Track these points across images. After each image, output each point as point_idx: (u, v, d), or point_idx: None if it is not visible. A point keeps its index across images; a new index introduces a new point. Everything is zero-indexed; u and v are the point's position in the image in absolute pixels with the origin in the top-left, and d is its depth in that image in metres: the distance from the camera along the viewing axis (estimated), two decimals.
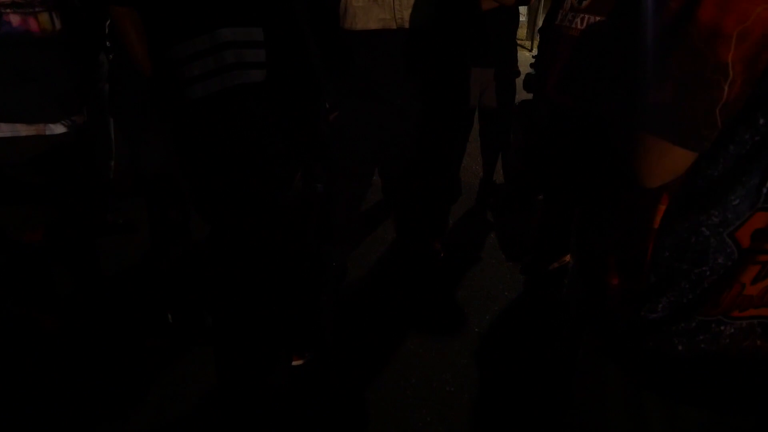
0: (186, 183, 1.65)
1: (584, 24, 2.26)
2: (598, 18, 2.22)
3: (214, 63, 1.14)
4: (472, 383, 2.17)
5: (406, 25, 1.98)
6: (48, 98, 1.61)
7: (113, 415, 1.96)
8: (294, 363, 2.17)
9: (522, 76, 3.01)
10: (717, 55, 0.72)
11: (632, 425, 1.06)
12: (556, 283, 2.77)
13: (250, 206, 1.42)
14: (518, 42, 6.14)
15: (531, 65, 2.74)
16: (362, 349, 2.32)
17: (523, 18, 9.80)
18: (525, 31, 10.91)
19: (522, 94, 2.93)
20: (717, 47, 0.72)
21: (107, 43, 2.31)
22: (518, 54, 3.34)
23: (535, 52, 5.48)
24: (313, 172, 3.11)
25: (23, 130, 1.58)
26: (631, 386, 1.03)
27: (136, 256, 2.69)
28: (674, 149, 0.79)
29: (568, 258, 2.88)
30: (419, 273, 2.79)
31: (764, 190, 0.81)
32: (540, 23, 3.05)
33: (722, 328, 0.91)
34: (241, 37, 1.15)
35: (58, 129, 1.67)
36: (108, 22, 2.22)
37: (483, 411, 2.05)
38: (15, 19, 1.50)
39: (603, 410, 1.10)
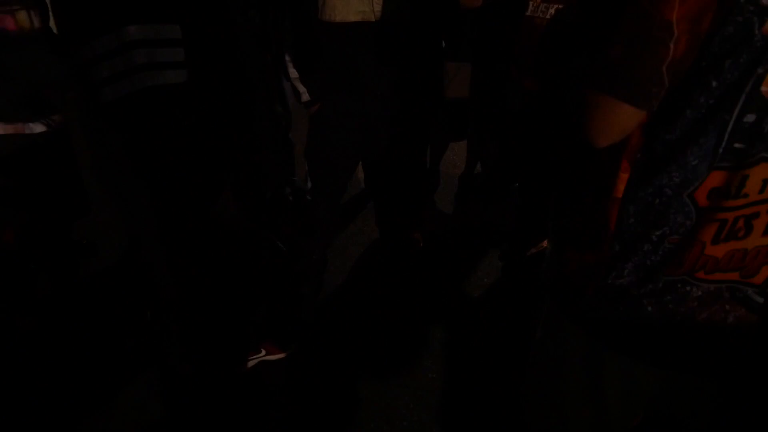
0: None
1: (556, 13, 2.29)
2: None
3: (122, 64, 1.06)
4: (452, 369, 2.20)
5: (385, 18, 2.00)
6: (27, 97, 1.60)
7: (94, 415, 1.96)
8: (275, 357, 2.18)
9: None
10: (662, 14, 0.77)
11: (589, 385, 1.10)
12: (534, 269, 2.81)
13: (174, 217, 1.37)
14: None
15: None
16: (344, 339, 2.34)
17: None
18: None
19: None
20: (662, 6, 0.76)
21: None
22: None
23: None
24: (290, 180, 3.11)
25: (1, 128, 1.57)
26: (590, 349, 1.07)
27: (113, 255, 2.68)
28: (622, 106, 0.83)
29: (545, 243, 2.93)
30: (399, 263, 2.82)
31: (720, 151, 0.84)
32: None
33: (688, 288, 0.94)
34: (152, 35, 1.06)
35: (38, 128, 1.66)
36: None
37: (463, 396, 2.09)
38: None
39: (561, 374, 1.15)
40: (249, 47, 1.37)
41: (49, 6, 1.65)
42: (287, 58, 2.12)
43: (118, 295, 2.48)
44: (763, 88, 0.79)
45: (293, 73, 2.14)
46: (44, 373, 2.04)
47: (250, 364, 2.14)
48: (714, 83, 0.80)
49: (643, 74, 0.80)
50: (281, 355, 2.20)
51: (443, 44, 2.66)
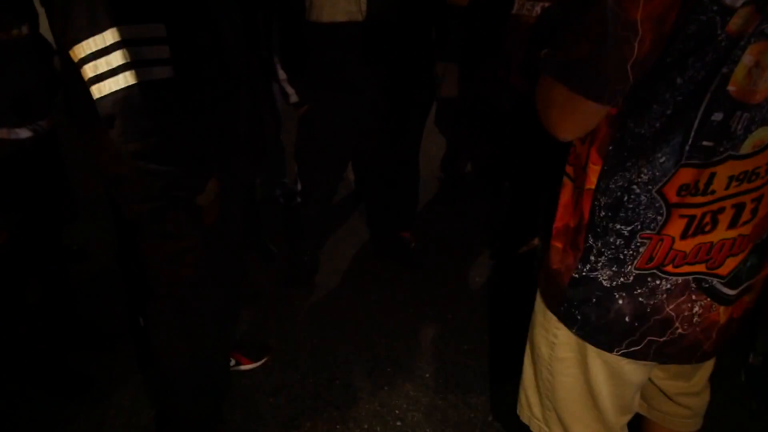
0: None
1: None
2: None
3: (112, 62, 1.13)
4: (446, 368, 2.21)
5: (372, 17, 2.00)
6: (13, 103, 1.60)
7: (85, 419, 1.95)
8: (248, 366, 2.18)
9: None
10: (627, 13, 0.77)
11: (582, 381, 1.11)
12: (525, 267, 2.82)
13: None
14: None
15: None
16: (336, 340, 2.34)
17: None
18: None
19: None
20: (627, 5, 0.77)
21: None
22: None
23: None
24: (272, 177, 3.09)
25: None
26: (578, 345, 1.08)
27: (103, 260, 2.67)
28: (586, 103, 0.84)
29: (536, 241, 2.94)
30: (391, 263, 2.82)
31: (687, 148, 0.86)
32: None
33: (658, 282, 0.97)
34: (138, 34, 1.14)
35: (24, 133, 1.66)
36: None
37: (457, 395, 2.09)
38: None
39: (555, 371, 1.16)
40: (234, 48, 1.37)
41: (38, 13, 1.66)
42: (275, 59, 2.12)
43: (108, 300, 2.47)
44: (730, 87, 0.81)
45: (281, 74, 2.14)
46: (36, 377, 2.02)
47: None
48: (678, 80, 0.81)
49: (607, 72, 0.81)
50: (254, 365, 2.19)
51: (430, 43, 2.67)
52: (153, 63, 1.17)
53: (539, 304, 1.17)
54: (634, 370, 1.08)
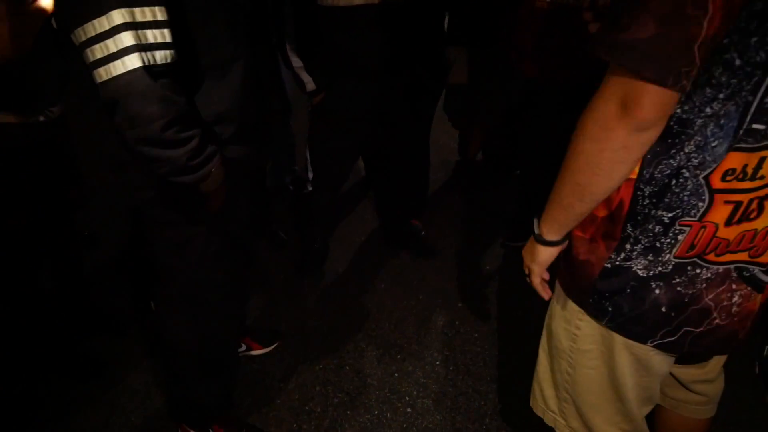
0: None
1: None
2: None
3: (113, 45, 1.12)
4: (456, 355, 2.21)
5: (388, 0, 1.99)
6: (28, 90, 1.61)
7: (98, 402, 1.97)
8: (258, 352, 2.20)
9: None
10: None
11: (605, 373, 1.10)
12: None
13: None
14: None
15: None
16: (346, 327, 2.35)
17: None
18: None
19: None
20: None
21: None
22: None
23: None
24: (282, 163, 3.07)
25: (1, 117, 1.59)
26: (603, 337, 1.06)
27: (114, 246, 2.68)
28: (653, 88, 0.77)
29: None
30: (400, 251, 2.82)
31: (740, 132, 0.82)
32: None
33: (698, 271, 0.94)
34: (139, 16, 1.12)
35: (38, 118, 1.67)
36: None
37: (468, 382, 2.09)
38: None
39: (577, 363, 1.14)
40: (234, 34, 1.35)
41: None
42: (289, 46, 2.10)
43: (119, 285, 2.48)
44: None
45: (296, 62, 2.12)
46: (49, 361, 2.04)
47: None
48: (738, 62, 0.77)
49: (674, 54, 0.74)
50: (264, 351, 2.20)
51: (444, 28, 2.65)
52: (156, 47, 1.16)
53: (559, 295, 1.15)
54: (661, 361, 1.06)
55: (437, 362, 2.19)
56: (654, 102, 0.77)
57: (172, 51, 1.18)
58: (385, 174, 2.71)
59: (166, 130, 1.22)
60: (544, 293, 1.11)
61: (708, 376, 1.26)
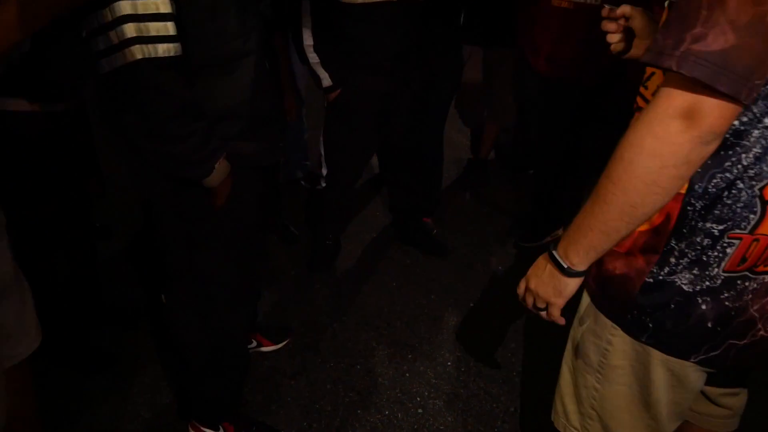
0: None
1: None
2: None
3: (115, 37, 1.12)
4: (467, 357, 2.19)
5: None
6: (55, 81, 1.62)
7: (109, 395, 1.96)
8: (268, 348, 2.18)
9: None
10: None
11: (638, 389, 1.06)
12: None
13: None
14: None
15: None
16: (357, 324, 2.33)
17: None
18: None
19: None
20: None
21: None
22: None
23: None
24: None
25: (27, 106, 1.60)
26: (637, 352, 1.03)
27: (127, 238, 2.67)
28: (722, 102, 0.73)
29: (560, 232, 2.90)
30: (412, 249, 2.80)
31: None
32: None
33: (747, 284, 0.91)
34: (141, 8, 1.11)
35: (58, 107, 1.69)
36: None
37: (479, 384, 2.07)
38: None
39: (607, 378, 1.10)
40: (248, 28, 1.33)
41: None
42: (307, 42, 2.08)
43: (131, 278, 2.47)
44: None
45: (313, 57, 2.10)
46: (60, 353, 2.03)
47: None
48: None
49: (752, 67, 0.70)
50: (275, 347, 2.19)
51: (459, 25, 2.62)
52: (158, 40, 1.14)
53: (588, 309, 1.10)
54: (699, 377, 1.02)
55: (449, 363, 2.17)
56: (723, 115, 0.73)
57: (176, 44, 1.17)
58: (398, 171, 2.69)
59: (168, 123, 1.21)
60: (561, 321, 1.02)
61: (733, 389, 1.23)
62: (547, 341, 2.23)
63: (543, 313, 1.01)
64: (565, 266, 0.92)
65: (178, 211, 1.45)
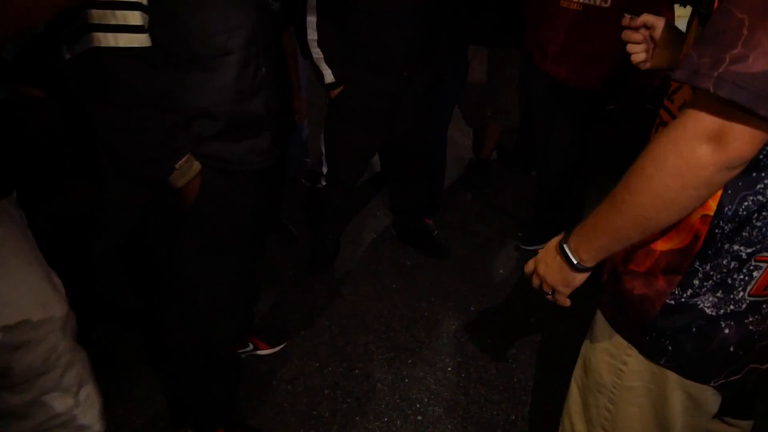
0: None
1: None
2: None
3: (78, 22, 1.09)
4: (468, 362, 2.15)
5: None
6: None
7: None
8: (265, 351, 2.14)
9: None
10: None
11: (654, 412, 1.03)
12: None
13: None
14: None
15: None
16: (356, 328, 2.29)
17: None
18: None
19: None
20: None
21: None
22: None
23: None
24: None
25: (38, 92, 1.58)
26: (654, 375, 0.99)
27: (118, 235, 2.63)
28: (751, 125, 0.69)
29: (562, 236, 2.86)
30: (412, 250, 2.76)
31: None
32: None
33: None
34: None
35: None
36: None
37: (480, 391, 2.03)
38: None
39: (620, 401, 1.06)
40: (235, 25, 1.28)
41: None
42: (311, 36, 2.03)
43: (122, 277, 2.43)
44: None
45: (316, 53, 2.06)
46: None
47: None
48: None
49: None
50: (271, 351, 2.14)
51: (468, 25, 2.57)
52: (119, 29, 1.11)
53: (603, 328, 1.07)
54: (716, 400, 0.99)
55: (449, 368, 2.13)
56: (754, 140, 0.70)
57: (141, 35, 1.13)
58: (400, 171, 2.64)
59: (124, 115, 1.17)
60: (567, 303, 1.02)
61: (744, 409, 1.20)
62: (549, 347, 2.20)
63: (549, 297, 1.02)
64: (575, 262, 0.92)
65: (155, 208, 1.41)
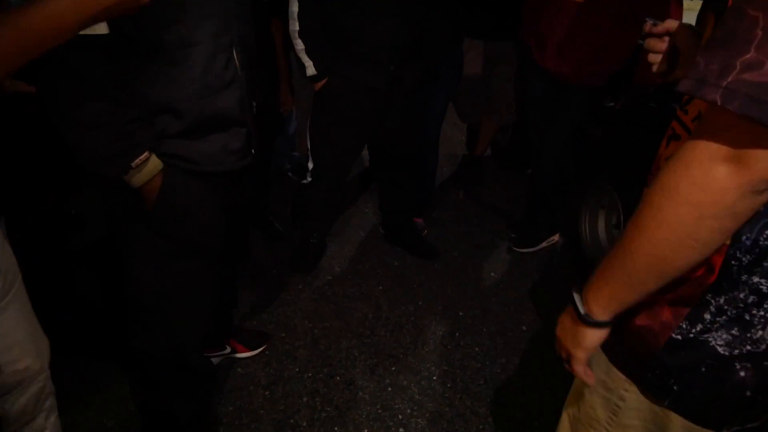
0: None
1: None
2: None
3: None
4: (455, 371, 2.07)
5: None
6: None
7: (73, 402, 1.82)
8: (243, 354, 2.05)
9: None
10: None
11: None
12: (544, 265, 2.67)
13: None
14: None
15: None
16: (339, 331, 2.20)
17: None
18: None
19: None
20: None
21: None
22: None
23: None
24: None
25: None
26: (656, 415, 0.90)
27: (101, 228, 2.52)
28: None
29: (557, 238, 2.78)
30: (400, 251, 2.67)
31: None
32: None
33: None
34: None
35: None
36: None
37: (466, 402, 1.95)
38: None
39: (611, 429, 0.97)
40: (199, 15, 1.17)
41: None
42: (293, 27, 1.93)
43: (103, 273, 2.32)
44: None
45: (298, 44, 1.96)
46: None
47: (215, 361, 1.98)
48: None
49: None
50: (250, 354, 2.05)
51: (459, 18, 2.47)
52: None
53: (599, 359, 0.97)
54: None
55: (434, 377, 2.04)
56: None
57: (102, 24, 1.01)
58: (389, 169, 2.54)
59: (78, 108, 1.08)
60: (589, 380, 0.89)
61: None
62: (541, 358, 2.12)
63: (566, 366, 0.88)
64: (582, 312, 0.80)
65: (117, 210, 1.31)
